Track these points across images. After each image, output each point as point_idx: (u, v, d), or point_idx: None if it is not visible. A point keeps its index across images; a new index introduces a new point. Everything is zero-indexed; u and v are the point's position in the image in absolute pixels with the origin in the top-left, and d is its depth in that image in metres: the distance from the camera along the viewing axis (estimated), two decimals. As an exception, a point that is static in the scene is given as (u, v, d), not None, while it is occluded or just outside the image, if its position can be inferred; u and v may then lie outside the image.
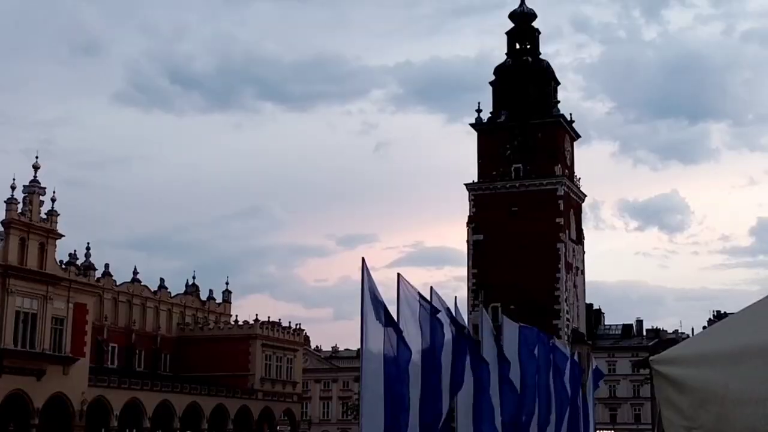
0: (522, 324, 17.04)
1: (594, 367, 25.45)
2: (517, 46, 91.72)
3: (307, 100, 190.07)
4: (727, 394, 5.43)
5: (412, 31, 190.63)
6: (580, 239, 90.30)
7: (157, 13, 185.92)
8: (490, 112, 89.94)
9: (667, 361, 6.01)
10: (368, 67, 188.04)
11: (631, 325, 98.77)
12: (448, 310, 12.32)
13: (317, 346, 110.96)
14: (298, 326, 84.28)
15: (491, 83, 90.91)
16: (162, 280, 79.04)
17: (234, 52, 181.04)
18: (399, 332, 10.54)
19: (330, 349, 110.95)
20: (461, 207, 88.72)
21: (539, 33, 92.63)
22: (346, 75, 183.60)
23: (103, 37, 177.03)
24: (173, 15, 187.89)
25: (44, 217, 57.99)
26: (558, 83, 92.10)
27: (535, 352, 16.64)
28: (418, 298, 11.32)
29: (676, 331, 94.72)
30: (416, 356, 10.99)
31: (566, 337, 74.30)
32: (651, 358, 6.21)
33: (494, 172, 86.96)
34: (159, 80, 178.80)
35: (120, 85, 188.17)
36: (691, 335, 74.17)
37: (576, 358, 22.33)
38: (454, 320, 12.36)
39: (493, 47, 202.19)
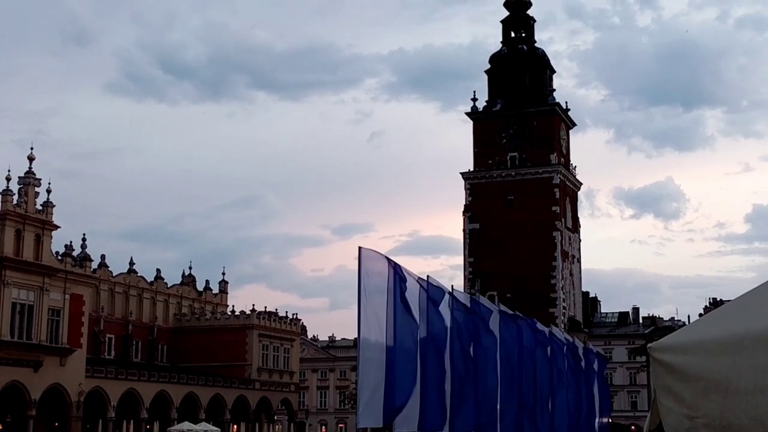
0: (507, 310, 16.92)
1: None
2: (512, 35, 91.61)
3: (300, 89, 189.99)
4: (730, 384, 5.36)
5: (405, 18, 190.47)
6: (576, 227, 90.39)
7: (147, 2, 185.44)
8: (486, 101, 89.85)
9: (667, 349, 5.95)
10: (361, 55, 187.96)
11: (627, 312, 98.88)
12: (451, 294, 12.32)
13: (314, 336, 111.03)
14: (294, 316, 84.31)
15: (486, 72, 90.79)
16: (158, 270, 79.06)
17: (225, 40, 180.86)
18: (395, 318, 10.51)
19: (327, 339, 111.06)
20: (457, 196, 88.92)
21: (534, 21, 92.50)
22: (339, 63, 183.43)
23: (94, 27, 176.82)
24: (163, 4, 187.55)
25: (40, 208, 57.84)
26: (553, 71, 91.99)
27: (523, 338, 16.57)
28: (416, 280, 11.28)
29: (672, 318, 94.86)
30: (414, 343, 10.96)
31: (563, 325, 74.42)
32: (649, 345, 6.15)
33: (490, 161, 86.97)
34: (151, 70, 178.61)
35: (112, 75, 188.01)
36: (687, 323, 74.21)
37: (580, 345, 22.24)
38: (457, 303, 12.34)
39: (486, 35, 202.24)
